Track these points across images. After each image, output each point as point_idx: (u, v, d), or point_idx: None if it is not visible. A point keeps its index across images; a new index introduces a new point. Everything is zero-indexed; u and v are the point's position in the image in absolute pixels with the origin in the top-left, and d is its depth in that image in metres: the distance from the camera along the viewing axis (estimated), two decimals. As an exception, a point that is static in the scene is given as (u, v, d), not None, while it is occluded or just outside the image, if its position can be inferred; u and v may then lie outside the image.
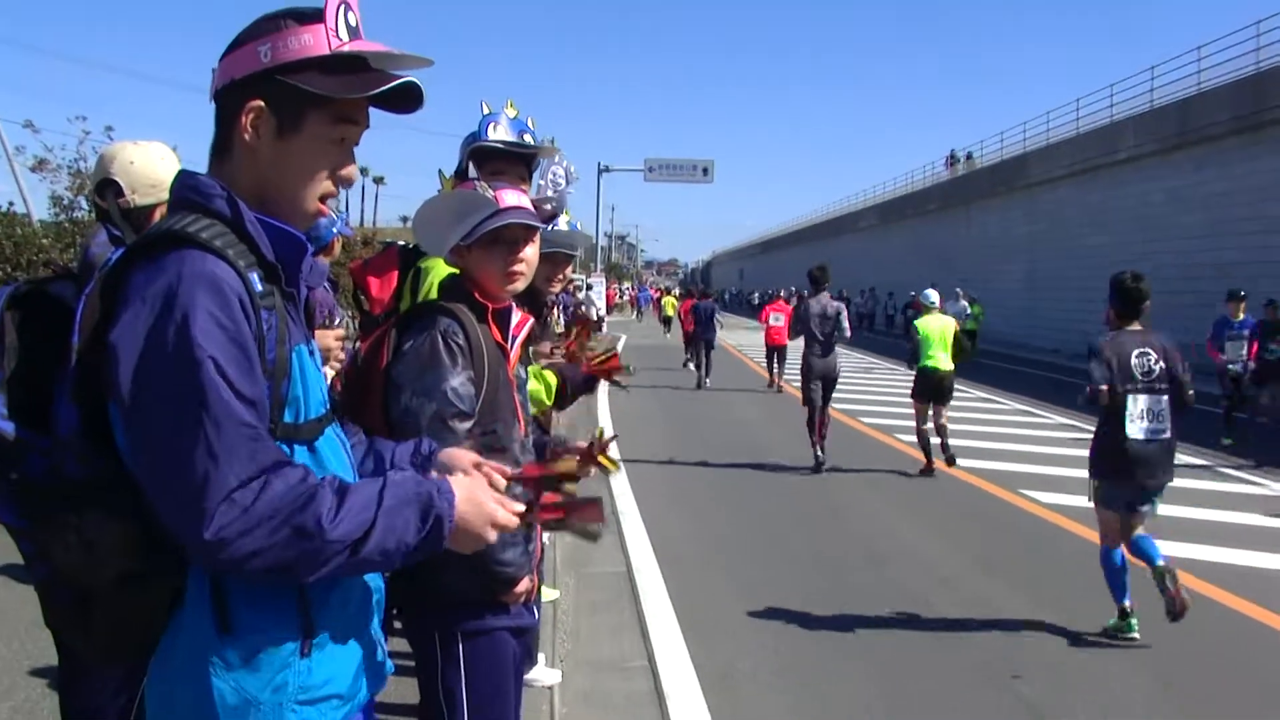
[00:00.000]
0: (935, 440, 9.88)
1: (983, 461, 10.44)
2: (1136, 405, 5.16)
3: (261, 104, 1.44)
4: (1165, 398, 5.21)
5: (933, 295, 10.63)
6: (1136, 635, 5.22)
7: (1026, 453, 11.29)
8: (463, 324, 2.27)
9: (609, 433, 2.15)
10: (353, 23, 1.48)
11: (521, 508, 1.58)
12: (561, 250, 3.85)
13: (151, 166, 2.50)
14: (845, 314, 10.43)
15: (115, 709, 2.27)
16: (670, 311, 32.38)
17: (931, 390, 9.80)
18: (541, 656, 4.43)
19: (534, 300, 3.72)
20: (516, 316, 2.46)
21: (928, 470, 9.91)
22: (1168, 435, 5.22)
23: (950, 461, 9.90)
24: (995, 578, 6.42)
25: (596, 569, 6.32)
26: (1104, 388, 5.16)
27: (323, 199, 1.52)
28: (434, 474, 1.67)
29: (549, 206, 3.93)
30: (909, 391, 10.37)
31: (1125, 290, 5.37)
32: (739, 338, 30.61)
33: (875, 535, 7.51)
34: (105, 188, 2.45)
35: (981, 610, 5.73)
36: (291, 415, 1.45)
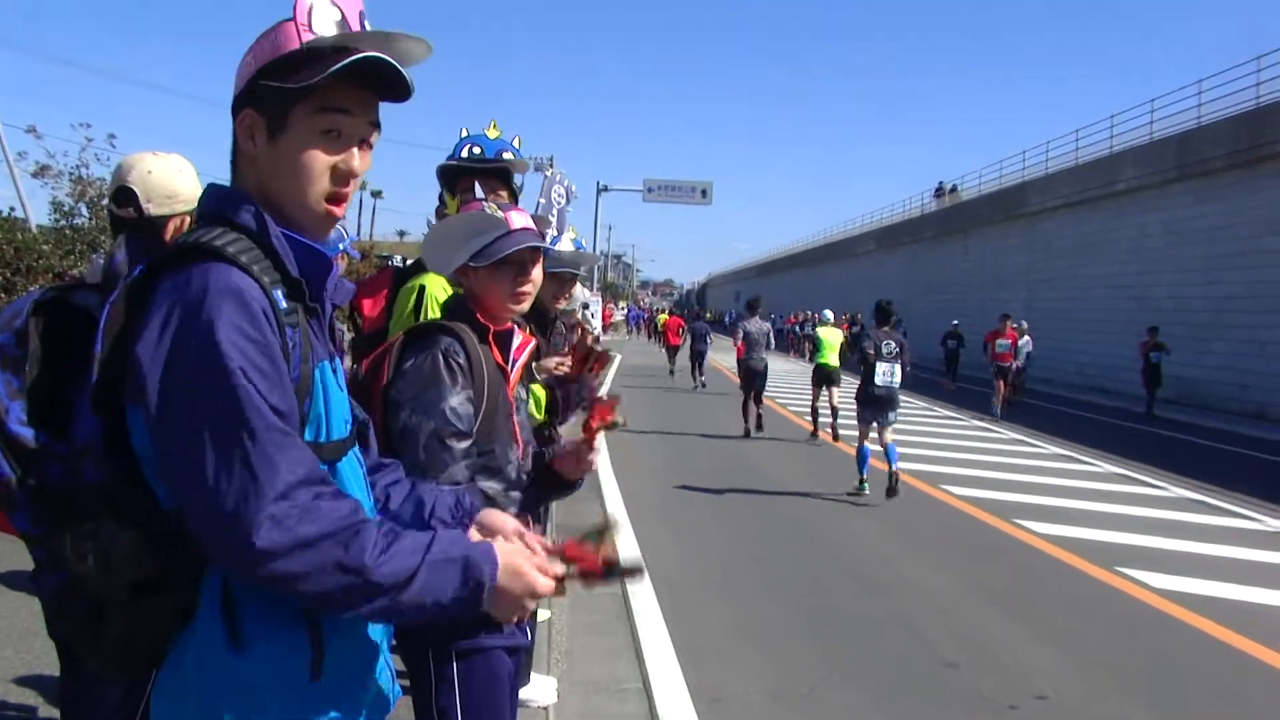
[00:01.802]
0: (826, 418, 14.14)
1: (977, 490, 10.46)
2: (881, 368, 9.61)
3: (252, 112, 1.44)
4: (898, 366, 9.62)
5: (829, 315, 16.00)
6: (867, 492, 9.78)
7: (1021, 482, 11.29)
8: (464, 344, 2.27)
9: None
10: (336, 17, 1.43)
11: (560, 569, 1.58)
12: (568, 270, 3.88)
13: (169, 178, 2.50)
14: (770, 333, 15.79)
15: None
16: (662, 328, 33.52)
17: (824, 379, 14.36)
18: (536, 676, 4.41)
19: (539, 319, 3.74)
20: (518, 339, 2.47)
21: (813, 436, 14.34)
22: (896, 386, 9.68)
23: (835, 436, 13.84)
24: (991, 606, 6.41)
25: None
26: (870, 352, 9.61)
27: (332, 200, 1.48)
28: (475, 533, 1.67)
29: (549, 228, 3.98)
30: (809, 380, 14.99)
31: (883, 309, 10.11)
32: (730, 360, 30.71)
33: (869, 561, 7.50)
34: (121, 196, 2.45)
35: (977, 638, 5.72)
36: (313, 434, 1.44)
